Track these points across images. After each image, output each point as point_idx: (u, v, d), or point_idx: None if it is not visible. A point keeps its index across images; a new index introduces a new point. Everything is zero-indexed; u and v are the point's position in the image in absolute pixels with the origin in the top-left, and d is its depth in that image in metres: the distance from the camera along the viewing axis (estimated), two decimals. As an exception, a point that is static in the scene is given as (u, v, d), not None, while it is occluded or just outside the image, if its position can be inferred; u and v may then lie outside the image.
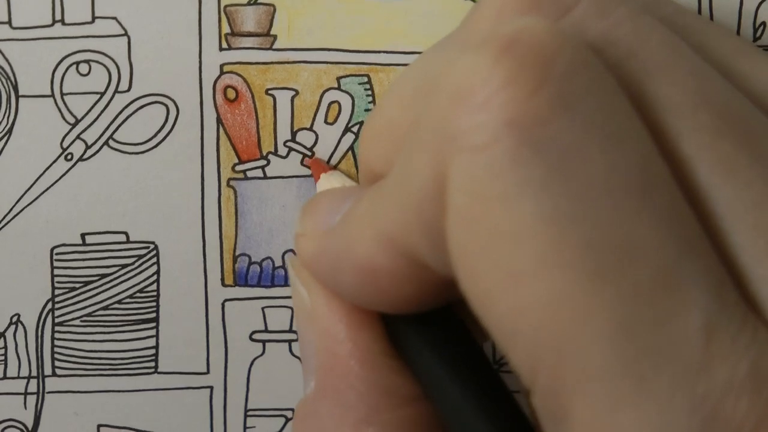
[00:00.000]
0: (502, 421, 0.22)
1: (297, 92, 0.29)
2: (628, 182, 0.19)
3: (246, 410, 0.30)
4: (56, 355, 0.29)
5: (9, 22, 0.28)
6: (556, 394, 0.19)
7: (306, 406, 0.25)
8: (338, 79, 0.28)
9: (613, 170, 0.19)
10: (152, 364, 0.29)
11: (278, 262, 0.29)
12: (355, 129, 0.29)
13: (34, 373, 0.29)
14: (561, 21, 0.21)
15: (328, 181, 0.28)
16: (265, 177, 0.29)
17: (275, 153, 0.29)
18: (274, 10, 0.28)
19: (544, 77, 0.19)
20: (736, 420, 0.18)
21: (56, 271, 0.29)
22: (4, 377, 0.30)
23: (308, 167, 0.29)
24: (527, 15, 0.21)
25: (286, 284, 0.29)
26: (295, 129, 0.29)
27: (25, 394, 0.30)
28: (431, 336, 0.24)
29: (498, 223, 0.19)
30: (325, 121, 0.29)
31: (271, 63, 0.28)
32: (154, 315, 0.29)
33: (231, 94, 0.29)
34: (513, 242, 0.19)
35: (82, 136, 0.28)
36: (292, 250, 0.29)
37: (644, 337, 0.18)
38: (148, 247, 0.29)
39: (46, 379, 0.30)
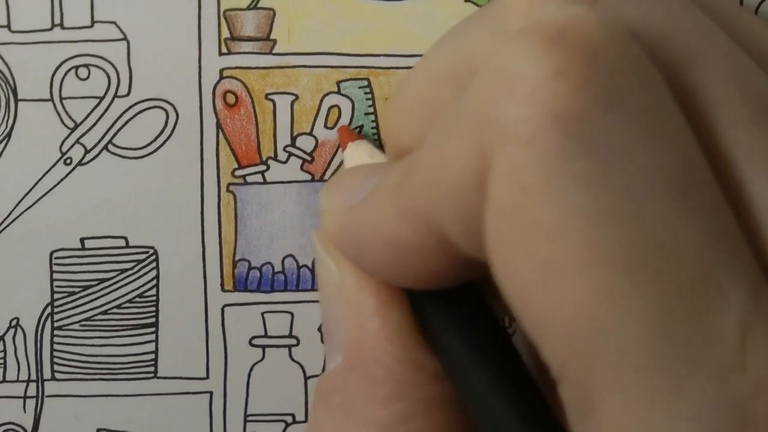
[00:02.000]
0: (521, 400, 0.22)
1: (297, 97, 0.28)
2: (671, 180, 0.19)
3: (246, 415, 0.30)
4: (55, 359, 0.29)
5: (8, 26, 0.28)
6: (586, 386, 0.19)
7: (331, 380, 0.24)
8: (338, 83, 0.28)
9: (657, 168, 0.19)
10: (151, 368, 0.29)
11: (278, 268, 0.29)
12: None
13: (33, 376, 0.29)
14: (596, 4, 0.21)
15: (355, 150, 0.28)
16: (265, 182, 0.29)
17: (275, 158, 0.29)
18: (274, 15, 0.28)
19: (593, 71, 0.19)
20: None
21: (55, 276, 0.29)
22: (4, 381, 0.30)
23: (308, 172, 0.29)
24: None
25: (285, 289, 0.29)
26: (294, 134, 0.29)
27: (25, 397, 0.30)
28: (454, 313, 0.23)
29: (539, 216, 0.19)
30: (325, 126, 0.29)
31: (271, 68, 0.28)
32: (153, 320, 0.29)
33: (231, 98, 0.28)
34: (553, 236, 0.19)
35: (81, 140, 0.28)
36: (292, 255, 0.29)
37: (681, 336, 0.18)
38: (148, 252, 0.29)
39: (46, 383, 0.30)
